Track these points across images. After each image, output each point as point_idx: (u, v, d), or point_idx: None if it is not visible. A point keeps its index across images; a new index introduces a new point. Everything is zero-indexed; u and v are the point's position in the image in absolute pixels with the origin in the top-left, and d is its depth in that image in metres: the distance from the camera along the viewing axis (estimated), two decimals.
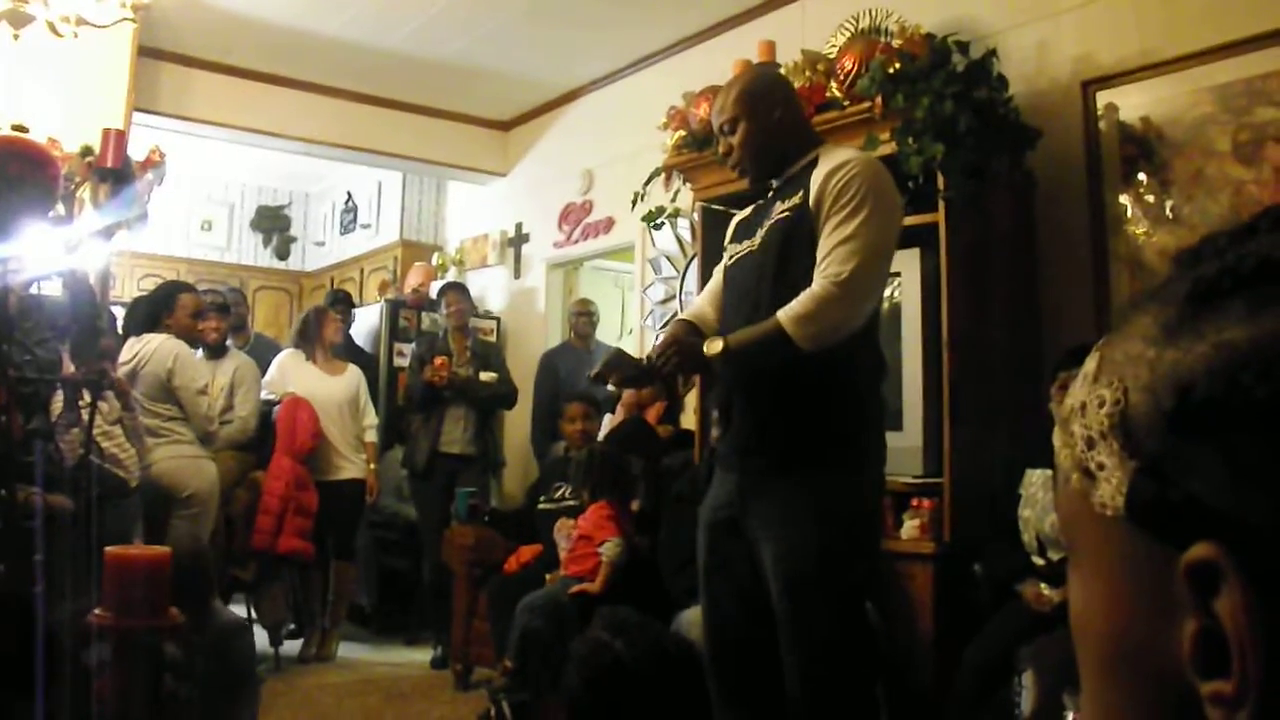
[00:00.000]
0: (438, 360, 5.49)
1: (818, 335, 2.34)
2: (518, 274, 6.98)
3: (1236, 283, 0.43)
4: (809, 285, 2.38)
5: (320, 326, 5.59)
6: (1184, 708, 0.42)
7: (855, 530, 2.45)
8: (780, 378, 2.43)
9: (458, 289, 6.06)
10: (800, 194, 2.47)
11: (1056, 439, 0.49)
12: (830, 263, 2.35)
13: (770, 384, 2.45)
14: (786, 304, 2.39)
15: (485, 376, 5.61)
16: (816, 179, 2.45)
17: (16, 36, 4.51)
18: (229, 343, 5.51)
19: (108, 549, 1.60)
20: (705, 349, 2.41)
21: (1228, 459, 0.40)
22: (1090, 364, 0.48)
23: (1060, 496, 0.49)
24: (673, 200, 4.59)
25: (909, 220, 3.57)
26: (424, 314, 6.83)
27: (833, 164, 2.45)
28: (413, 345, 6.45)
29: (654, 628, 2.07)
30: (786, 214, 2.50)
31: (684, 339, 2.51)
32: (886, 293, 3.59)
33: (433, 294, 7.17)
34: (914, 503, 3.37)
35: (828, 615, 2.40)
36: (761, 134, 2.59)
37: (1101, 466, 0.45)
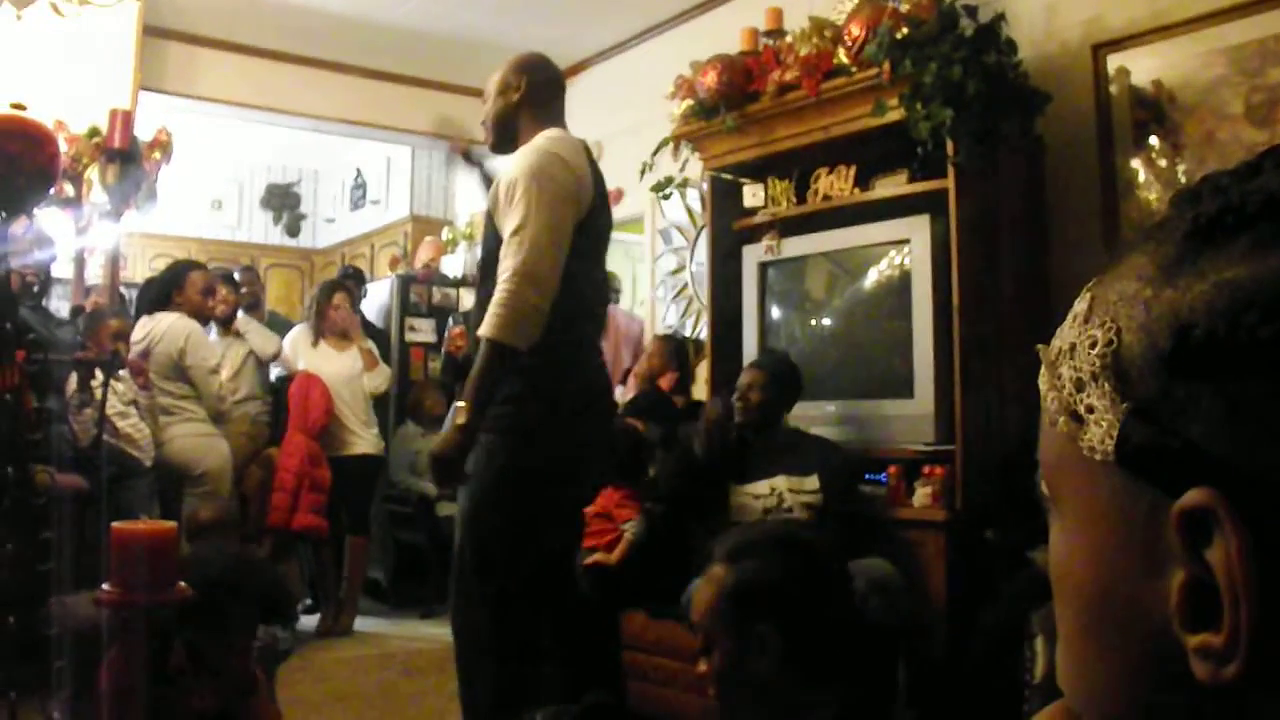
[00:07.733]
0: (454, 330, 5.41)
1: (519, 331, 2.45)
2: None
3: (1240, 221, 0.41)
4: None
5: (323, 311, 5.44)
6: (1167, 662, 0.40)
7: (487, 488, 2.55)
8: None
9: None
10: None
11: (1043, 382, 0.47)
12: (503, 266, 2.48)
13: None
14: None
15: None
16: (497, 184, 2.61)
17: (19, 16, 4.50)
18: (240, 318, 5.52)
19: (114, 524, 1.60)
20: (455, 420, 2.56)
21: (1227, 401, 0.38)
22: (1080, 304, 0.46)
23: (1045, 441, 0.47)
24: (681, 170, 4.56)
25: (919, 186, 3.55)
26: (435, 288, 6.79)
27: (504, 173, 2.60)
28: (426, 319, 6.42)
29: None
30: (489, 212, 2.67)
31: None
32: (896, 259, 3.59)
33: (444, 269, 7.15)
34: (925, 470, 3.36)
35: (467, 566, 2.57)
36: (500, 108, 2.83)
37: (1091, 409, 0.43)
